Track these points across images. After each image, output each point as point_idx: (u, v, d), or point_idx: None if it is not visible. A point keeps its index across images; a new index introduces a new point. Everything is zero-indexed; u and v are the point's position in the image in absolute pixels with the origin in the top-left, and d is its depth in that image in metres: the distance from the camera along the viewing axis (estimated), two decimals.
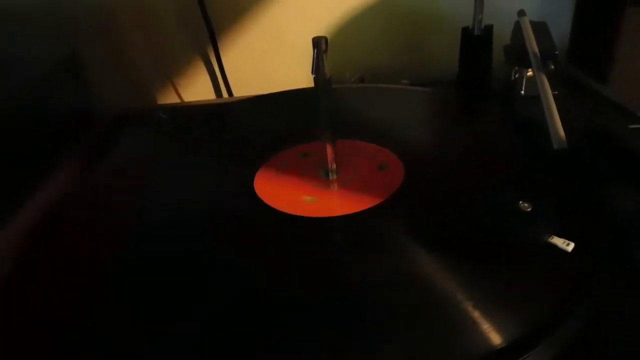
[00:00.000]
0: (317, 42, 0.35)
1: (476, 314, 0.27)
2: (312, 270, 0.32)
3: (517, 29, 0.52)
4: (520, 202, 0.34)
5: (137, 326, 0.29)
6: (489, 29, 0.54)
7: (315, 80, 0.36)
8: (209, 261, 0.34)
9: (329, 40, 0.66)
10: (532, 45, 0.47)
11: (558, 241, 0.31)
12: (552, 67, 0.46)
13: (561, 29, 0.52)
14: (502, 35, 0.55)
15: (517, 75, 0.53)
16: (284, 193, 0.39)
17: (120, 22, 0.62)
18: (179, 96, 0.68)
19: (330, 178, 0.41)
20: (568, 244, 0.31)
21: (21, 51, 0.40)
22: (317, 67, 0.36)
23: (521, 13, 0.53)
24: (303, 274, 0.32)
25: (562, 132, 0.38)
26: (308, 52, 0.67)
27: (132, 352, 0.28)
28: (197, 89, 0.68)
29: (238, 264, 0.33)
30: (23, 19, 0.41)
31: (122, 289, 0.32)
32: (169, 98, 0.68)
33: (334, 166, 0.40)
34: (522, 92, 0.53)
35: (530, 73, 0.52)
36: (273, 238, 0.36)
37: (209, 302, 0.30)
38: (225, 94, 0.69)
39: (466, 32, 0.55)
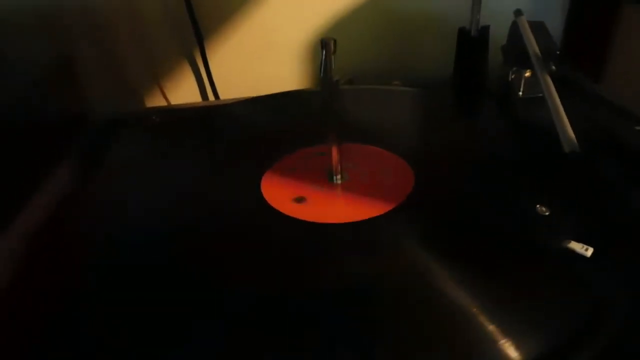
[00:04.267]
0: (326, 44, 0.33)
1: (492, 328, 0.26)
2: (319, 278, 0.31)
3: (514, 29, 0.52)
4: (538, 206, 0.33)
5: (140, 329, 0.28)
6: (485, 30, 0.54)
7: (322, 82, 0.35)
8: (216, 265, 0.33)
9: (317, 42, 0.66)
10: (533, 46, 0.47)
11: (576, 246, 0.31)
12: (554, 67, 0.45)
13: (552, 29, 0.52)
14: (495, 35, 0.55)
15: (513, 76, 0.53)
16: (290, 196, 0.38)
17: (109, 25, 0.60)
18: (166, 99, 0.65)
19: (336, 182, 0.39)
20: (587, 249, 0.30)
21: (12, 55, 0.38)
22: (325, 69, 0.34)
23: (518, 13, 0.52)
24: (310, 281, 0.31)
25: (572, 135, 0.37)
26: (296, 54, 0.67)
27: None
28: (183, 91, 0.66)
29: (245, 268, 0.32)
30: (14, 23, 0.39)
31: (126, 291, 0.31)
32: (156, 101, 0.66)
33: (340, 169, 0.39)
34: (520, 93, 0.52)
35: (528, 74, 0.51)
36: (281, 243, 0.34)
37: (216, 306, 0.29)
38: (211, 97, 0.67)
39: (462, 33, 0.54)
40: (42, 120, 0.43)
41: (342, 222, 0.35)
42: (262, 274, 0.32)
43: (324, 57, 0.34)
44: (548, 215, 0.33)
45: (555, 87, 0.43)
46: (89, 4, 0.55)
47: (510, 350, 0.25)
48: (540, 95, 0.43)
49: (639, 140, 0.42)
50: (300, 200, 0.38)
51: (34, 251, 0.36)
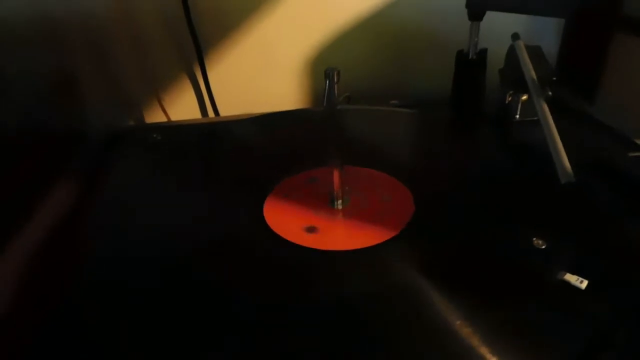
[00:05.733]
0: (330, 74, 0.34)
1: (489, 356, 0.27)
2: (322, 304, 0.32)
3: (512, 52, 0.53)
4: (534, 239, 0.34)
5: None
6: (483, 53, 0.55)
7: (325, 111, 0.36)
8: (217, 287, 0.33)
9: (316, 59, 0.66)
10: (530, 72, 0.47)
11: (571, 278, 0.31)
12: (550, 93, 0.46)
13: (547, 51, 0.53)
14: (493, 56, 0.55)
15: (510, 99, 0.54)
16: (293, 222, 0.38)
17: (109, 41, 0.60)
18: (166, 115, 0.66)
19: (337, 207, 0.40)
20: (582, 282, 0.31)
21: (12, 71, 0.38)
22: (329, 99, 0.35)
23: (515, 37, 0.53)
24: (313, 307, 0.31)
25: (568, 166, 0.38)
26: (296, 70, 0.67)
27: None
28: (183, 107, 0.67)
29: (245, 292, 0.33)
30: (14, 38, 0.40)
31: (123, 323, 0.31)
32: (156, 116, 0.66)
33: (341, 195, 0.40)
34: (517, 116, 0.53)
35: (524, 97, 0.52)
36: (283, 269, 0.35)
37: (218, 331, 0.30)
38: (211, 113, 0.67)
39: (461, 56, 0.55)
40: (42, 136, 0.43)
41: (345, 249, 0.35)
42: (262, 299, 0.32)
43: (327, 86, 0.35)
44: (544, 248, 0.34)
45: (551, 110, 0.44)
46: (89, 19, 0.55)
47: None
48: (537, 119, 0.44)
49: (633, 166, 0.42)
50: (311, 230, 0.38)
51: (34, 267, 0.36)
